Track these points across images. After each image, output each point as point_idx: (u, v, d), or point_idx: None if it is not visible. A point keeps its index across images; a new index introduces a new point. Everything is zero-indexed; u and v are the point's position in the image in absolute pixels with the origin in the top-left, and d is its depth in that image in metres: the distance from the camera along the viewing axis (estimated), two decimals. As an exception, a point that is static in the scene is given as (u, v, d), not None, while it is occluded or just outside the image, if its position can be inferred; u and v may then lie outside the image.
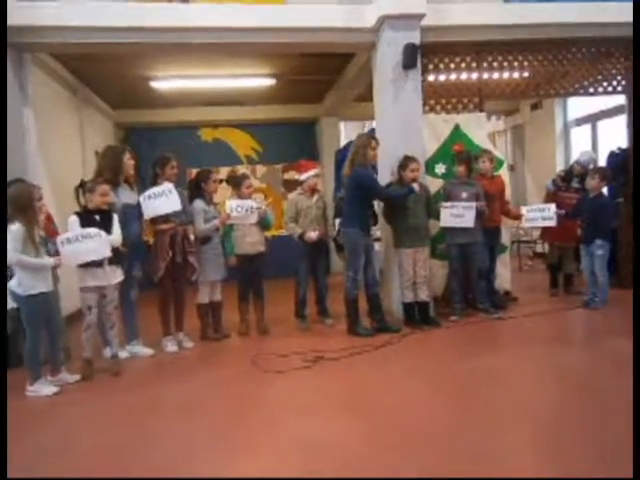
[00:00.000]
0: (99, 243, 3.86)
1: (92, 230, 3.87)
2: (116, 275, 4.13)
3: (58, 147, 6.31)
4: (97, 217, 4.01)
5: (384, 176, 5.23)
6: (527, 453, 2.56)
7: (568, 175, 6.11)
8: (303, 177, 5.28)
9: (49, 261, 3.74)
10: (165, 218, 4.51)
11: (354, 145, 4.87)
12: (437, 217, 5.16)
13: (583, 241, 5.47)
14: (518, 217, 5.61)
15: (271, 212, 5.26)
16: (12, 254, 3.53)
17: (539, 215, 5.44)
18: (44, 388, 3.70)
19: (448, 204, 5.08)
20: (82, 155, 7.14)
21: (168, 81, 7.35)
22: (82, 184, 4.13)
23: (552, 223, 5.40)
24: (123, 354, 4.28)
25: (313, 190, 5.26)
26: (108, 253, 3.90)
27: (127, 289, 4.43)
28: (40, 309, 3.69)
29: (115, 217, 4.12)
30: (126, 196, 4.45)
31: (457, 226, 5.05)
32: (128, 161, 4.48)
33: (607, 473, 2.30)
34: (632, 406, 2.47)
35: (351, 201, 4.80)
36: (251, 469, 2.50)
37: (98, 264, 3.94)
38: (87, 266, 3.93)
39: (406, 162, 4.90)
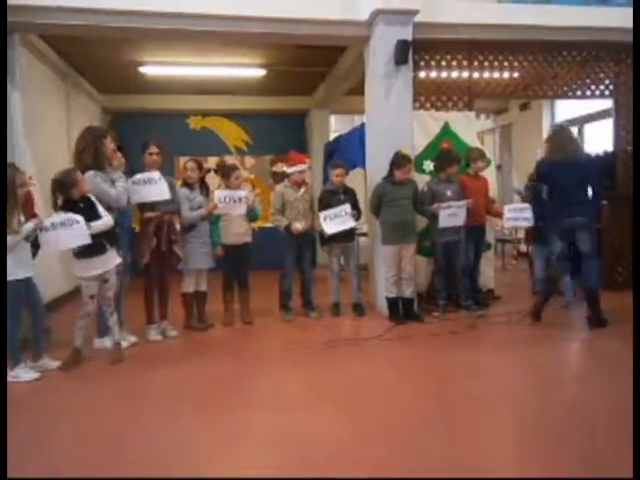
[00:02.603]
0: (77, 231, 3.73)
1: (71, 216, 3.73)
2: (115, 258, 4.05)
3: (44, 130, 6.20)
4: (82, 205, 3.84)
5: (376, 171, 5.25)
6: (513, 448, 2.61)
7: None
8: (290, 170, 5.30)
9: (29, 225, 3.61)
10: (152, 206, 4.47)
11: (558, 134, 4.81)
12: (425, 216, 5.20)
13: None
14: (499, 215, 5.59)
15: (259, 203, 5.25)
16: None
17: (519, 215, 5.40)
18: (24, 374, 3.66)
19: (445, 205, 5.01)
20: (67, 139, 7.02)
21: (158, 67, 7.27)
22: (56, 181, 3.84)
23: (530, 223, 5.38)
24: (107, 342, 4.24)
25: (300, 183, 5.27)
26: (87, 240, 3.77)
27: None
28: (19, 295, 3.62)
29: (96, 201, 3.92)
30: (117, 176, 4.24)
31: (452, 225, 5.04)
32: (110, 145, 4.21)
33: (607, 473, 2.30)
34: (632, 406, 2.46)
35: (583, 186, 4.56)
36: (236, 463, 2.50)
37: (101, 251, 3.88)
38: (90, 256, 3.85)
39: (403, 162, 4.92)
